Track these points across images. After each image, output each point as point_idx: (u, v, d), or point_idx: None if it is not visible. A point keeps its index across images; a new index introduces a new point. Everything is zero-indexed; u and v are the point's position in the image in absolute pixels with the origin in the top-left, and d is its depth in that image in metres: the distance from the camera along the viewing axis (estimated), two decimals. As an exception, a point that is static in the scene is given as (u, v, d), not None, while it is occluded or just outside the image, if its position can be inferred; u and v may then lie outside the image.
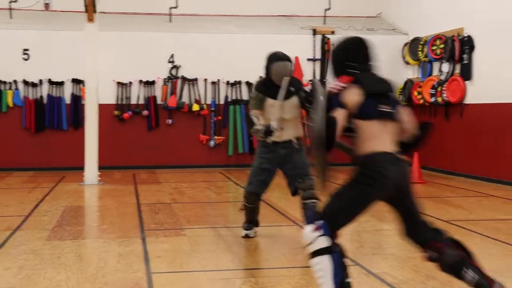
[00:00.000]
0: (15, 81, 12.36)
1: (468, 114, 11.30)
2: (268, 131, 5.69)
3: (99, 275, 4.87)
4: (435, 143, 12.20)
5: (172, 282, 4.73)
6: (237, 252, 5.74)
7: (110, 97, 12.53)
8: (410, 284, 4.62)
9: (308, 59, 13.07)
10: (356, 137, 3.76)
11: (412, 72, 13.03)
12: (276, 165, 5.95)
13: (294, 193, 5.93)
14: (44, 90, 12.45)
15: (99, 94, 10.70)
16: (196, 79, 12.90)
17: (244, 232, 6.20)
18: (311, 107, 3.72)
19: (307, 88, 6.47)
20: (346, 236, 6.36)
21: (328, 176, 3.70)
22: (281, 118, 5.76)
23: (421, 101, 12.44)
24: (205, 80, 12.94)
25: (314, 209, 5.43)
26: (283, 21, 13.88)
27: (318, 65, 13.19)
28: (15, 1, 12.84)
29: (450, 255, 3.76)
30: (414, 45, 12.77)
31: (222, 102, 13.01)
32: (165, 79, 12.82)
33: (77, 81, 12.45)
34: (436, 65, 12.16)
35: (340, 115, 3.65)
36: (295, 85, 5.93)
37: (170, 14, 13.40)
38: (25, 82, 12.37)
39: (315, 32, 13.20)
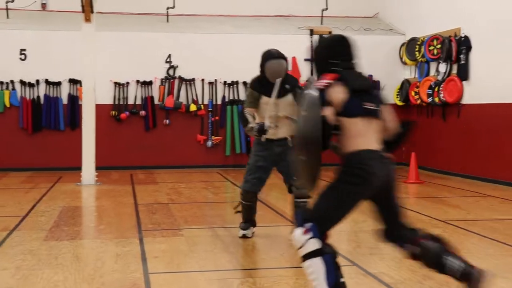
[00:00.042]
0: (12, 81, 12.34)
1: (465, 114, 11.32)
2: (261, 130, 5.70)
3: (96, 275, 4.86)
4: (432, 143, 12.25)
5: (169, 282, 4.73)
6: (234, 252, 5.74)
7: (107, 97, 12.52)
8: (407, 284, 4.62)
9: (306, 59, 13.06)
10: (341, 135, 3.75)
11: (409, 72, 13.05)
12: (271, 162, 5.97)
13: (290, 190, 5.96)
14: (41, 90, 12.43)
15: (96, 94, 10.70)
16: (193, 79, 12.90)
17: (241, 232, 6.20)
18: (302, 104, 3.70)
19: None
20: (343, 236, 6.36)
21: (317, 178, 3.69)
22: (276, 116, 5.77)
23: (418, 101, 12.46)
24: (202, 80, 12.94)
25: (303, 210, 5.44)
26: (280, 21, 13.89)
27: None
28: (12, 1, 12.81)
29: (429, 245, 3.80)
30: (411, 45, 12.78)
31: (219, 102, 13.01)
32: (162, 79, 12.82)
33: (74, 81, 12.44)
34: (433, 65, 12.18)
35: (329, 113, 3.65)
36: (291, 83, 5.94)
37: (167, 14, 13.39)
38: (22, 82, 12.35)
39: (312, 32, 13.18)
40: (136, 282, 4.69)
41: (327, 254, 3.62)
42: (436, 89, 11.79)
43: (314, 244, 3.61)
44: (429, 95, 12.00)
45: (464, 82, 11.26)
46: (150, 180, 11.04)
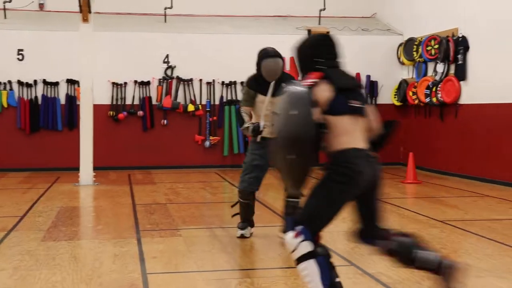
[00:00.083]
0: (9, 82, 12.32)
1: (462, 114, 11.33)
2: (257, 130, 5.70)
3: (94, 275, 4.86)
4: (430, 143, 12.26)
5: (167, 282, 4.73)
6: (232, 253, 5.74)
7: (105, 98, 12.51)
8: (405, 284, 4.62)
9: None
10: (328, 133, 3.75)
11: (406, 73, 13.05)
12: (267, 161, 5.96)
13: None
14: (39, 91, 12.42)
15: (94, 95, 10.69)
16: (191, 80, 12.89)
17: (239, 232, 6.20)
18: (287, 102, 3.64)
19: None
20: (341, 236, 6.36)
21: (306, 179, 3.66)
22: (272, 114, 5.77)
23: (416, 102, 12.47)
24: (200, 80, 12.93)
25: (293, 213, 5.43)
26: (278, 21, 13.89)
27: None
28: (9, 1, 12.80)
29: (402, 239, 3.80)
30: (408, 46, 12.79)
31: (217, 102, 13.00)
32: (160, 79, 12.81)
33: (72, 82, 12.42)
34: (430, 66, 12.18)
35: (316, 113, 3.65)
36: (287, 81, 5.93)
37: (165, 15, 13.38)
38: (20, 83, 12.34)
39: (310, 32, 13.19)
40: (134, 282, 4.69)
41: (320, 256, 3.61)
42: (433, 89, 11.80)
43: (307, 247, 3.60)
44: (426, 95, 12.00)
45: (461, 82, 11.27)
46: (148, 181, 11.04)
